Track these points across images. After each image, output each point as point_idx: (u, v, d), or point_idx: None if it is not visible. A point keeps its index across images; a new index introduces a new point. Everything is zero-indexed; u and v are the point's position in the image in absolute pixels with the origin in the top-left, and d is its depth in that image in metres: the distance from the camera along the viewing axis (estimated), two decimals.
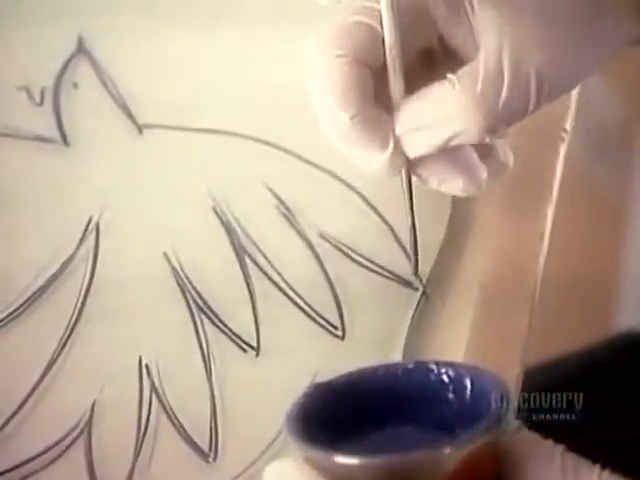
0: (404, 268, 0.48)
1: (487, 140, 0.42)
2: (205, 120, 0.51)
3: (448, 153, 0.43)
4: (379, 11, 0.41)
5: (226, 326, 0.47)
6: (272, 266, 0.48)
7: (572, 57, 0.42)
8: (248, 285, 0.48)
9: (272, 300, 0.48)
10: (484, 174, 0.44)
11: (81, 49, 0.52)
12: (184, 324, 0.47)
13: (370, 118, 0.41)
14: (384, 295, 0.48)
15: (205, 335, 0.47)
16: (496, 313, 0.48)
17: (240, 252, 0.49)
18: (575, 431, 0.44)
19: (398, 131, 0.42)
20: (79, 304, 0.48)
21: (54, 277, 0.48)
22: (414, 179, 0.44)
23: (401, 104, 0.42)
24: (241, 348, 0.47)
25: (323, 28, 0.42)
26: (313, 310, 0.48)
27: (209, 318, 0.47)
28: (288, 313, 0.48)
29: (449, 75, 0.41)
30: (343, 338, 0.47)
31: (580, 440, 0.37)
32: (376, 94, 0.42)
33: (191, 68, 0.52)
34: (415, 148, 0.42)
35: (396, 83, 0.42)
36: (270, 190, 0.50)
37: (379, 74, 0.42)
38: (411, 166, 0.43)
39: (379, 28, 0.41)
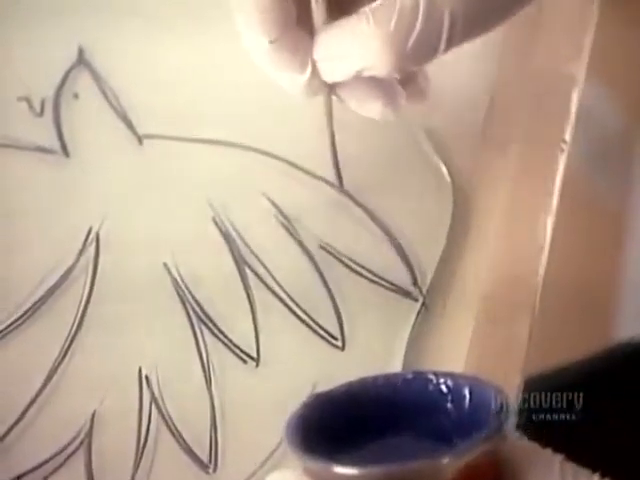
0: (404, 279, 0.48)
1: (396, 75, 0.43)
2: (205, 130, 0.51)
3: (368, 77, 0.44)
4: None
5: (226, 336, 0.47)
6: (272, 276, 0.48)
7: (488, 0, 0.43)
8: (248, 295, 0.48)
9: (272, 310, 0.48)
10: (402, 99, 0.45)
11: (81, 60, 0.52)
12: (184, 334, 0.47)
13: (290, 42, 0.43)
14: (384, 305, 0.48)
15: (205, 345, 0.47)
16: (496, 323, 0.47)
17: (240, 262, 0.49)
18: (575, 434, 0.44)
19: (315, 56, 0.44)
20: (79, 314, 0.48)
21: (54, 287, 0.48)
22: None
23: (322, 30, 0.44)
24: (241, 359, 0.47)
25: None
26: (313, 320, 0.48)
27: (209, 328, 0.47)
28: (288, 323, 0.48)
29: (366, 8, 0.42)
30: (343, 348, 0.47)
31: (579, 446, 0.37)
32: (302, 19, 0.44)
33: (191, 78, 0.52)
34: (330, 74, 0.44)
35: (317, 9, 0.43)
36: (270, 200, 0.50)
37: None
38: (331, 88, 0.45)
39: None
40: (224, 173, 0.50)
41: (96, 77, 0.52)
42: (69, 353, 0.47)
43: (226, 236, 0.49)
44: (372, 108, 0.46)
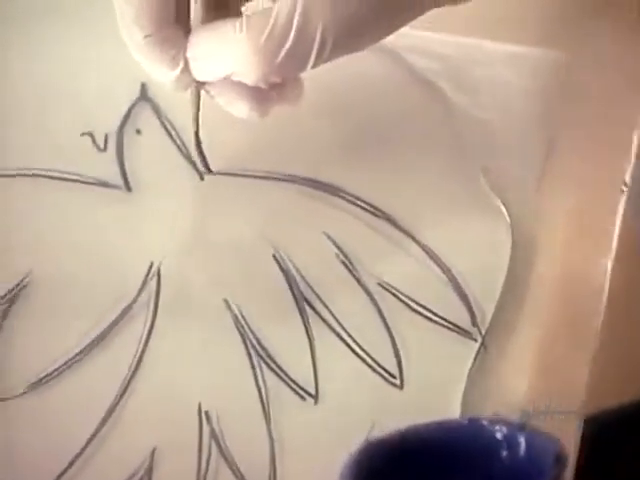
0: (463, 318, 0.48)
1: (263, 85, 0.44)
2: (265, 166, 0.51)
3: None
4: None
5: (285, 373, 0.48)
6: (331, 314, 0.49)
7: (362, 21, 0.43)
8: (307, 332, 0.48)
9: (330, 348, 0.48)
10: (271, 104, 0.46)
11: (144, 96, 0.53)
12: (243, 371, 0.48)
13: (163, 39, 0.44)
14: (443, 345, 0.48)
15: (264, 382, 0.47)
16: (555, 364, 0.47)
17: (299, 300, 0.49)
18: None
19: (188, 54, 0.44)
20: (140, 349, 0.48)
21: (115, 322, 0.48)
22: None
23: (197, 30, 0.44)
24: (299, 395, 0.47)
25: None
26: (372, 359, 0.48)
27: (268, 365, 0.48)
28: (346, 361, 0.48)
29: (243, 17, 0.43)
30: (401, 387, 0.47)
31: None
32: (182, 17, 0.44)
33: None
34: (201, 74, 0.45)
35: (195, 9, 0.44)
36: (330, 238, 0.50)
37: None
38: (201, 84, 0.46)
39: None
40: (284, 209, 0.51)
41: (158, 113, 0.52)
42: (129, 388, 0.47)
43: (286, 273, 0.49)
44: (239, 109, 0.46)
